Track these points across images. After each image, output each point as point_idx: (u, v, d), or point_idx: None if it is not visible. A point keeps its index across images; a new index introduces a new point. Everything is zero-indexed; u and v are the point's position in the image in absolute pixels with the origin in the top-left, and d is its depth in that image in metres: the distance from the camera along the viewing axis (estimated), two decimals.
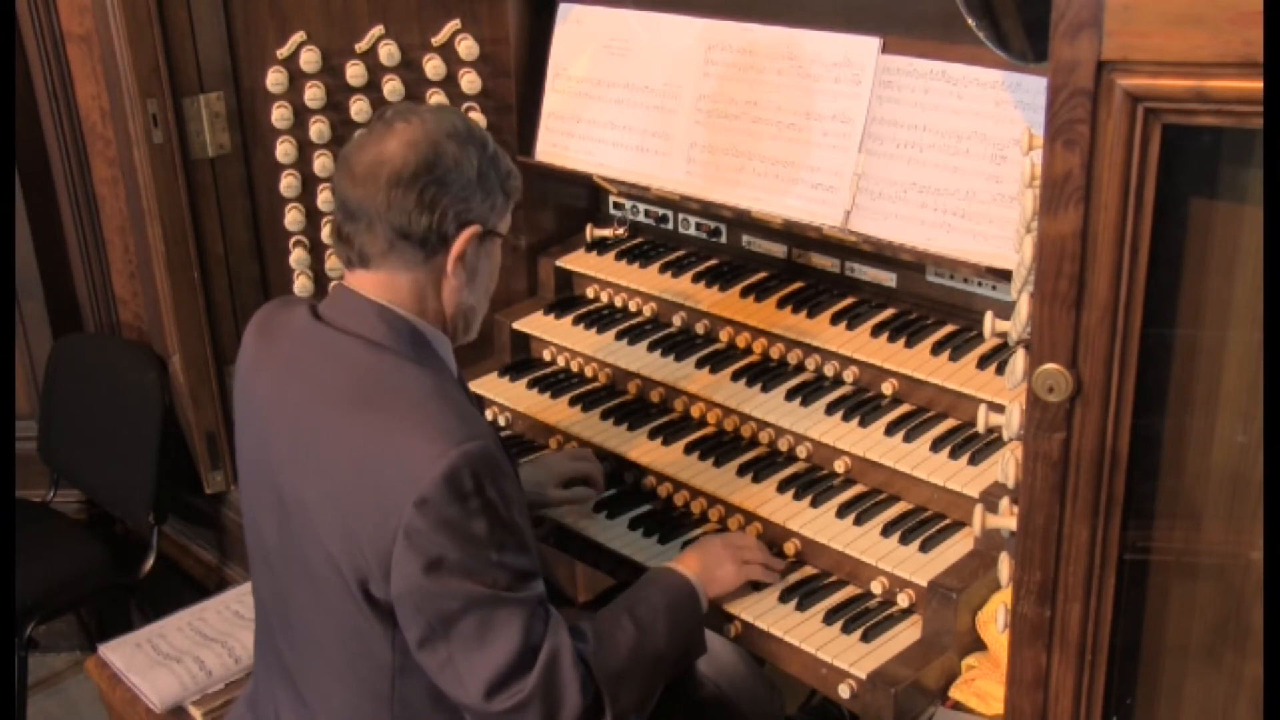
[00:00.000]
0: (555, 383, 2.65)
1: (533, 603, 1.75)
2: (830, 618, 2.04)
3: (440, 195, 1.77)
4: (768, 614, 2.07)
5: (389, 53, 2.70)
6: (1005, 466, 1.55)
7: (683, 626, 1.96)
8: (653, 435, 2.42)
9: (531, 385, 2.66)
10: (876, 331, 2.34)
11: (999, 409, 1.61)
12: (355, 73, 2.71)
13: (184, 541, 3.69)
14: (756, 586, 2.11)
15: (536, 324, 2.76)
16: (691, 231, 2.74)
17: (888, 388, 2.30)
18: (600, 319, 2.69)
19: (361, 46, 2.72)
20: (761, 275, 2.58)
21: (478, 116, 2.74)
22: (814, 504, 2.19)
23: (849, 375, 2.35)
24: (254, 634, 2.08)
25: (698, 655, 2.03)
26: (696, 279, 2.62)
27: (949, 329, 2.32)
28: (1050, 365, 1.29)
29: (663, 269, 2.68)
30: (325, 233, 2.80)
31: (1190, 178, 1.24)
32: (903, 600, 2.05)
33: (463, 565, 1.68)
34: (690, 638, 1.99)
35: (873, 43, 2.33)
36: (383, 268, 1.82)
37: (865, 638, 2.00)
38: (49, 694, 3.51)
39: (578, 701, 1.77)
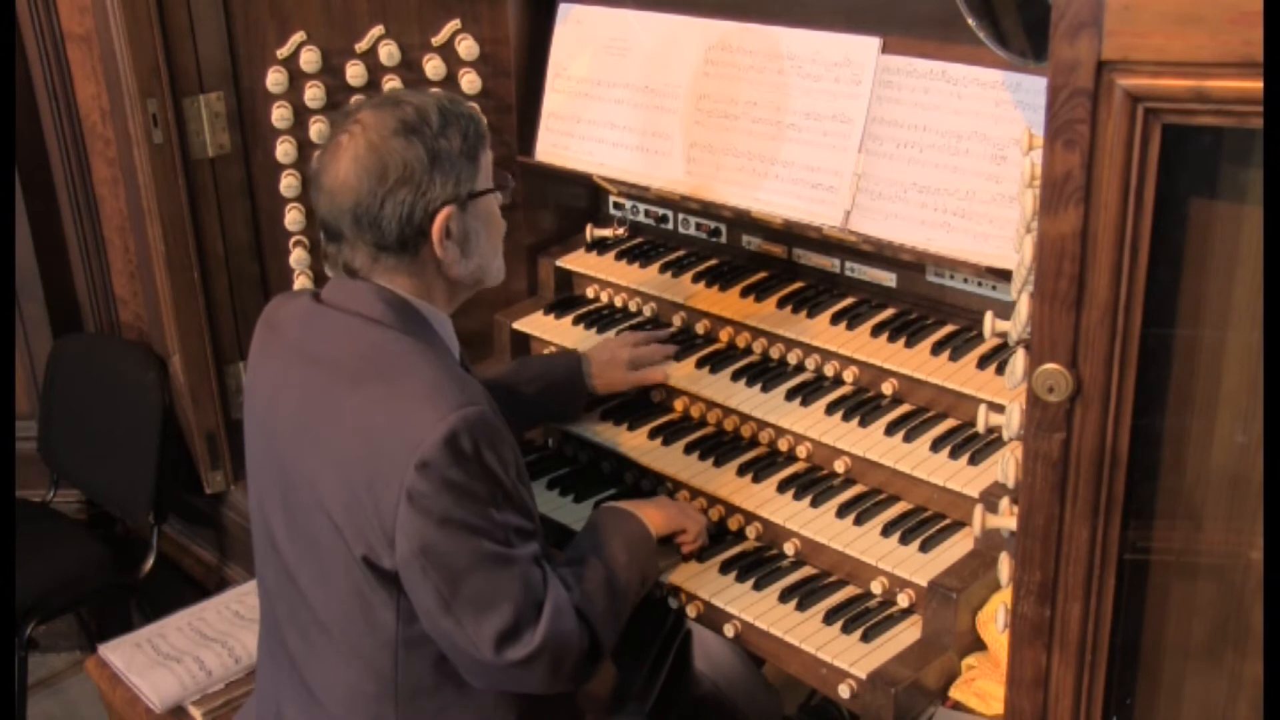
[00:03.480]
0: None
1: (531, 558, 1.82)
2: (830, 618, 2.04)
3: (399, 200, 1.80)
4: (768, 614, 2.07)
5: (389, 53, 2.70)
6: (1005, 466, 1.55)
7: (639, 558, 2.05)
8: (653, 435, 2.41)
9: None
10: (876, 331, 2.34)
11: (999, 409, 1.61)
12: (355, 73, 2.70)
13: (184, 541, 3.68)
14: (757, 586, 2.12)
15: (536, 324, 2.76)
16: (691, 231, 2.74)
17: (888, 388, 2.30)
18: (600, 319, 2.69)
19: (361, 46, 2.72)
20: (761, 275, 2.58)
21: None
22: (814, 504, 2.19)
23: (849, 375, 2.35)
24: (259, 626, 2.09)
25: (652, 582, 2.12)
26: (696, 279, 2.62)
27: (949, 329, 2.32)
28: (1050, 365, 1.29)
29: (663, 269, 2.68)
30: None
31: (1190, 178, 1.24)
32: (903, 600, 2.05)
33: (465, 523, 1.73)
34: (646, 565, 2.07)
35: (873, 43, 2.33)
36: (373, 275, 1.88)
37: (865, 638, 2.00)
38: (49, 694, 3.51)
39: (580, 647, 1.85)
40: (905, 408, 2.27)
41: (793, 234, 2.50)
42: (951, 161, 2.23)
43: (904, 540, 2.08)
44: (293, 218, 2.78)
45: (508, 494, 1.78)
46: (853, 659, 1.96)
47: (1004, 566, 1.50)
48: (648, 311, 2.67)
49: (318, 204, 1.87)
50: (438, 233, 1.83)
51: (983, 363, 2.22)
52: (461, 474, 1.72)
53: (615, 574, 1.98)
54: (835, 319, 2.40)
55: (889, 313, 2.40)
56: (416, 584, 1.76)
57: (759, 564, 2.18)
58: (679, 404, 2.47)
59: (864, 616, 2.04)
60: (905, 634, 2.01)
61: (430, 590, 1.75)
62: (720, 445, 2.36)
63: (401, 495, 1.72)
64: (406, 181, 1.80)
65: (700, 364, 2.47)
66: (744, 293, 2.54)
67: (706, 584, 2.14)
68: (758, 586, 2.12)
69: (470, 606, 1.76)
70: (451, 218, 1.84)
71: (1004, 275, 2.15)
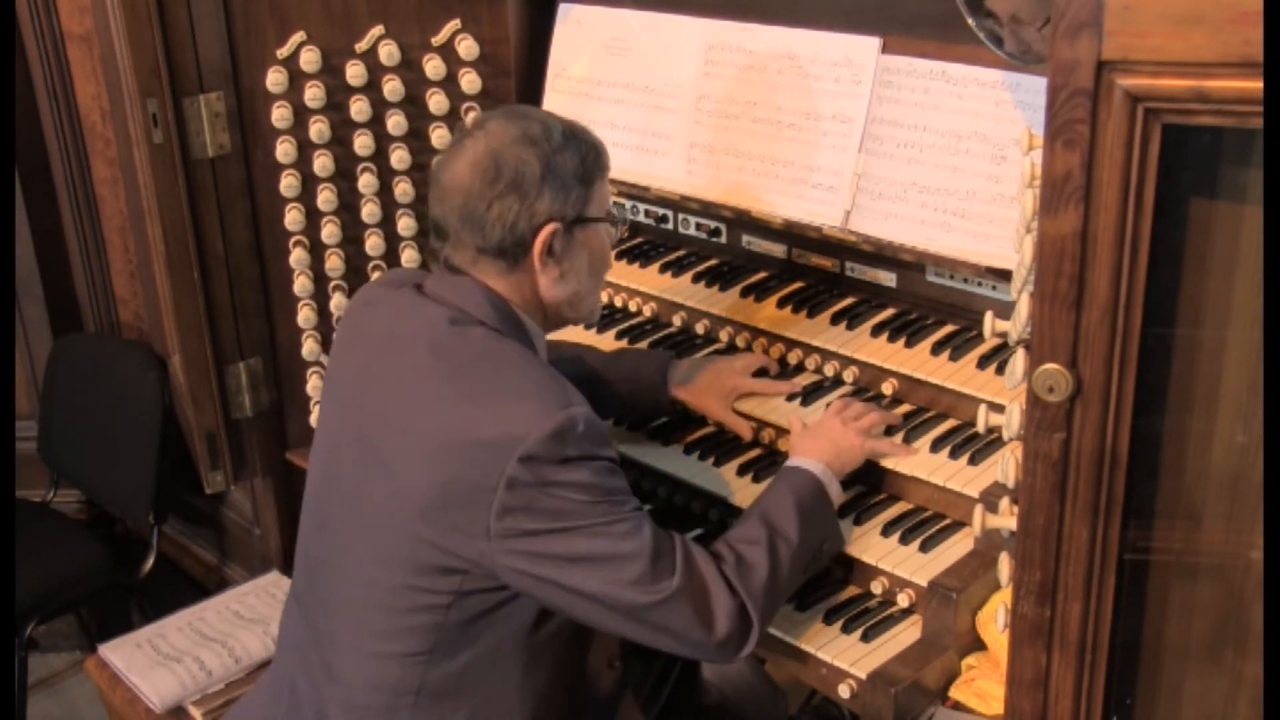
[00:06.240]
0: None
1: (643, 517, 1.79)
2: (830, 618, 2.04)
3: (506, 207, 1.84)
4: None
5: (389, 53, 2.70)
6: (1005, 466, 1.55)
7: (812, 523, 1.98)
8: (652, 435, 2.41)
9: None
10: (876, 331, 2.34)
11: (999, 409, 1.61)
12: (355, 73, 2.70)
13: (184, 541, 3.69)
14: None
15: None
16: (691, 231, 2.74)
17: (888, 388, 2.30)
18: (600, 319, 2.69)
19: (361, 46, 2.72)
20: (761, 275, 2.58)
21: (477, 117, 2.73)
22: None
23: (849, 375, 2.35)
24: (283, 610, 2.09)
25: (835, 549, 2.05)
26: (696, 279, 2.62)
27: (949, 329, 2.32)
28: (1050, 365, 1.29)
29: (663, 269, 2.68)
30: (325, 233, 2.80)
31: (1190, 178, 1.24)
32: (903, 600, 2.05)
33: (568, 508, 1.73)
34: (822, 531, 2.00)
35: (873, 43, 2.33)
36: (472, 274, 1.89)
37: (865, 638, 2.00)
38: (49, 694, 3.51)
39: (727, 603, 1.80)
40: (905, 408, 2.27)
41: (793, 234, 2.50)
42: (951, 161, 2.23)
43: (904, 540, 2.08)
44: (293, 218, 2.78)
45: (609, 492, 1.77)
46: (853, 659, 1.96)
47: (1004, 566, 1.50)
48: (647, 311, 2.67)
49: (431, 202, 1.91)
50: (539, 248, 1.86)
51: (983, 363, 2.22)
52: (563, 469, 1.72)
53: (783, 545, 1.90)
54: (835, 319, 2.40)
55: (889, 313, 2.40)
56: (530, 569, 1.75)
57: None
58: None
59: (864, 616, 2.04)
60: (905, 634, 2.01)
61: (548, 572, 1.74)
62: (720, 445, 2.36)
63: (501, 483, 1.71)
64: (516, 188, 1.83)
65: None
66: (744, 293, 2.54)
67: None
68: None
69: (592, 570, 1.74)
70: (555, 235, 1.87)
71: (1004, 275, 2.15)
